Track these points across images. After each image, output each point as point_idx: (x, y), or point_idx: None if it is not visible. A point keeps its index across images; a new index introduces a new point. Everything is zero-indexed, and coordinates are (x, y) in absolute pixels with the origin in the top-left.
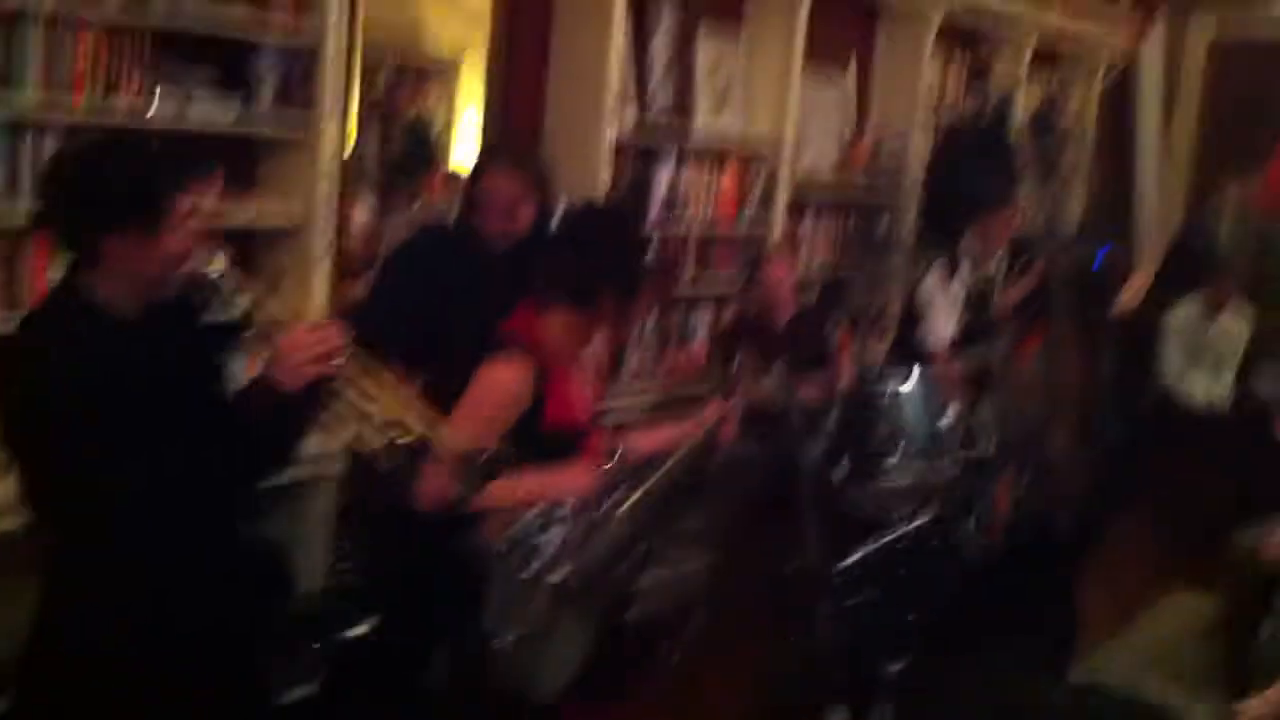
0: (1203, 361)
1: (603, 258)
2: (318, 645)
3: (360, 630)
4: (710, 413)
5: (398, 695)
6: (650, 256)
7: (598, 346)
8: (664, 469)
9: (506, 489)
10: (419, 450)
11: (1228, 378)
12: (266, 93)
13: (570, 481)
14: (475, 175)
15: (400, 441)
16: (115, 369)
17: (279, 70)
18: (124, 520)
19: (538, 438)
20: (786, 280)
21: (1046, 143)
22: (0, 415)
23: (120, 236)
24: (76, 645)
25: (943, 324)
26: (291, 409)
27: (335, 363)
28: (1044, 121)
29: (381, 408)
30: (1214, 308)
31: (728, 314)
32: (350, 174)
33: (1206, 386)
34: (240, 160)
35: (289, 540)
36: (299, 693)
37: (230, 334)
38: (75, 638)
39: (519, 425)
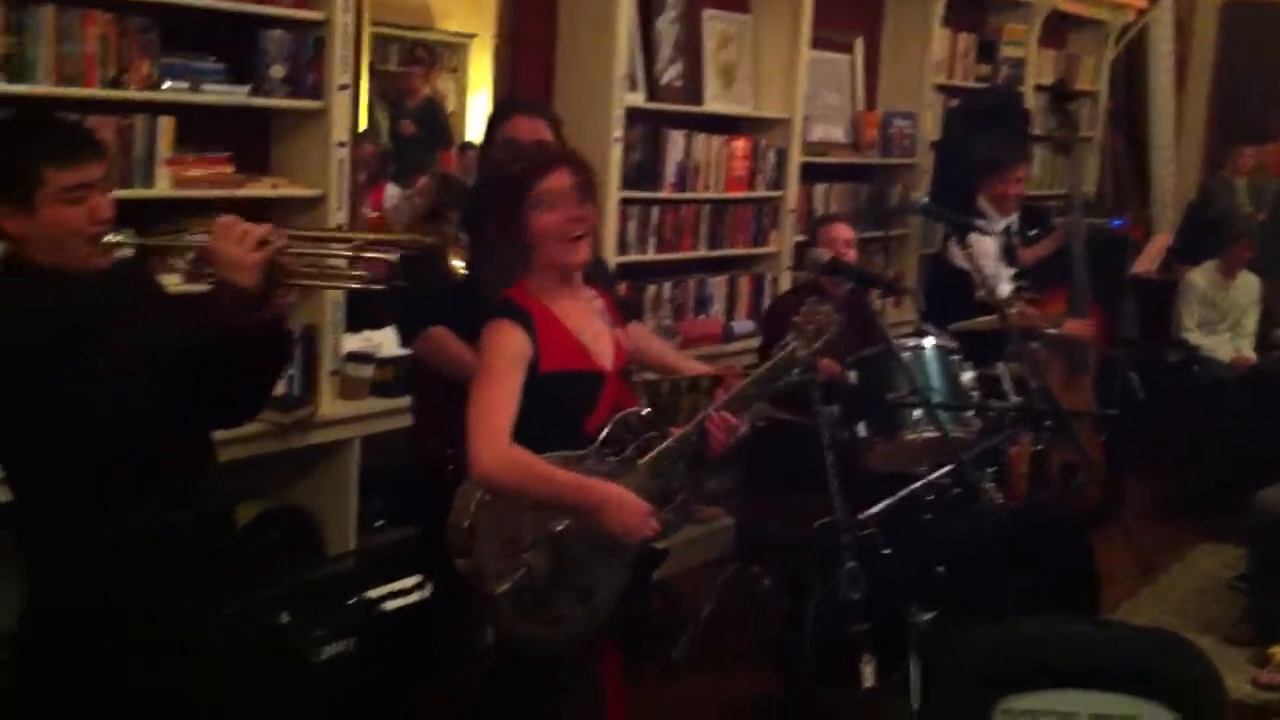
0: (1222, 323)
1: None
2: (351, 603)
3: (394, 589)
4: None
5: (432, 655)
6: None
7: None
8: (690, 425)
9: (543, 473)
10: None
11: (1248, 338)
12: (277, 72)
13: (606, 492)
14: (493, 125)
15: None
16: (78, 310)
17: (288, 50)
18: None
19: (544, 384)
20: (847, 238)
21: (1059, 110)
22: None
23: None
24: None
25: (997, 279)
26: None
27: (272, 240)
28: (1056, 89)
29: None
30: (1229, 271)
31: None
32: (363, 152)
33: (1226, 347)
34: (253, 141)
35: (319, 502)
36: (333, 650)
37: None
38: (79, 601)
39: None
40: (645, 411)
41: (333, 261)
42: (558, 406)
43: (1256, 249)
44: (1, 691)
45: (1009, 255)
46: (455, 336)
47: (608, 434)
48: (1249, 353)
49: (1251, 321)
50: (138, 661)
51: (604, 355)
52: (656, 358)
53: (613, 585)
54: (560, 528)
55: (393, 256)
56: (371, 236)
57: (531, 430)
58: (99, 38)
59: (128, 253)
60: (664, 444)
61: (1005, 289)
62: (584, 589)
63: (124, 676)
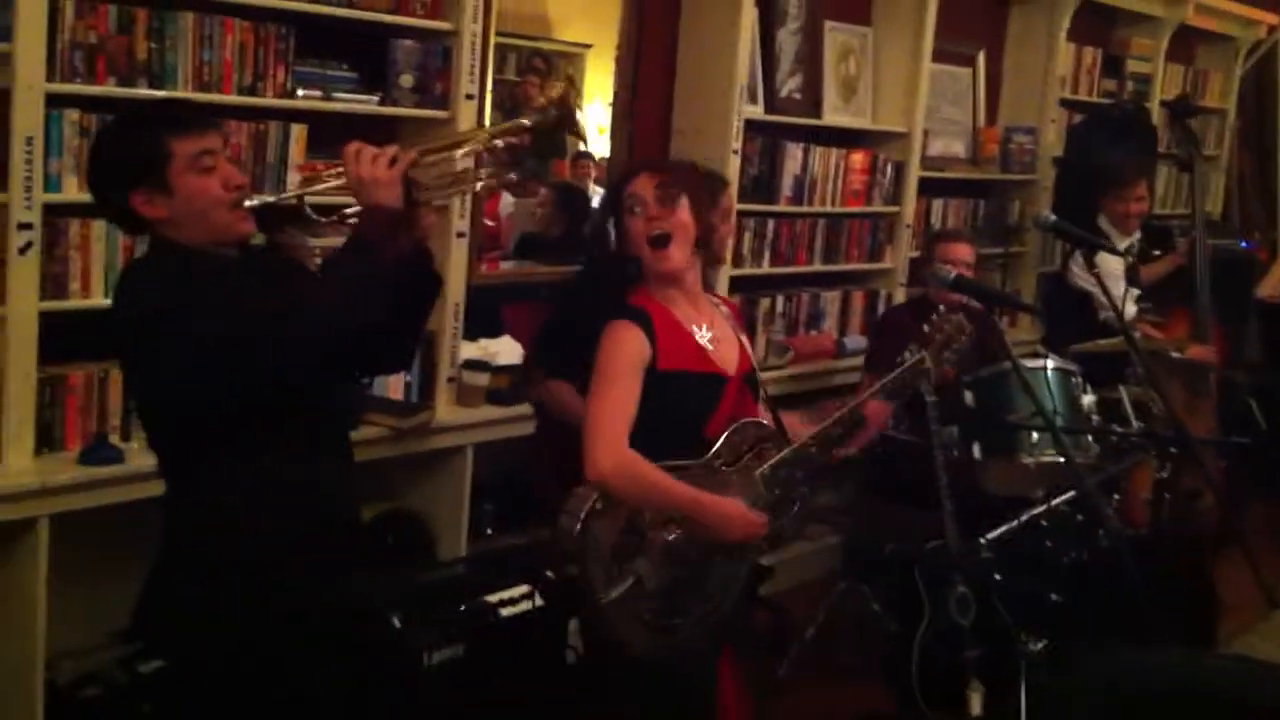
0: None
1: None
2: (463, 609)
3: (504, 596)
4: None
5: (541, 660)
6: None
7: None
8: (809, 436)
9: (657, 484)
10: None
11: None
12: (406, 81)
13: (722, 508)
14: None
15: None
16: (221, 274)
17: (417, 59)
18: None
19: (663, 383)
20: (966, 258)
21: (1180, 126)
22: (130, 361)
23: (140, 194)
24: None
25: (1122, 298)
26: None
27: (402, 159)
28: (1182, 106)
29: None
30: None
31: (896, 301)
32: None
33: None
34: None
35: (432, 506)
36: (444, 655)
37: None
38: (197, 592)
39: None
40: (765, 421)
41: (462, 165)
42: (676, 407)
43: None
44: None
45: (1131, 275)
46: (574, 392)
47: (724, 442)
48: None
49: None
50: (255, 631)
51: (727, 360)
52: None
53: (724, 597)
54: (671, 538)
55: (523, 140)
56: (494, 129)
57: (649, 430)
58: (236, 45)
59: (259, 240)
60: (781, 454)
61: (1129, 310)
62: (694, 600)
63: (240, 644)
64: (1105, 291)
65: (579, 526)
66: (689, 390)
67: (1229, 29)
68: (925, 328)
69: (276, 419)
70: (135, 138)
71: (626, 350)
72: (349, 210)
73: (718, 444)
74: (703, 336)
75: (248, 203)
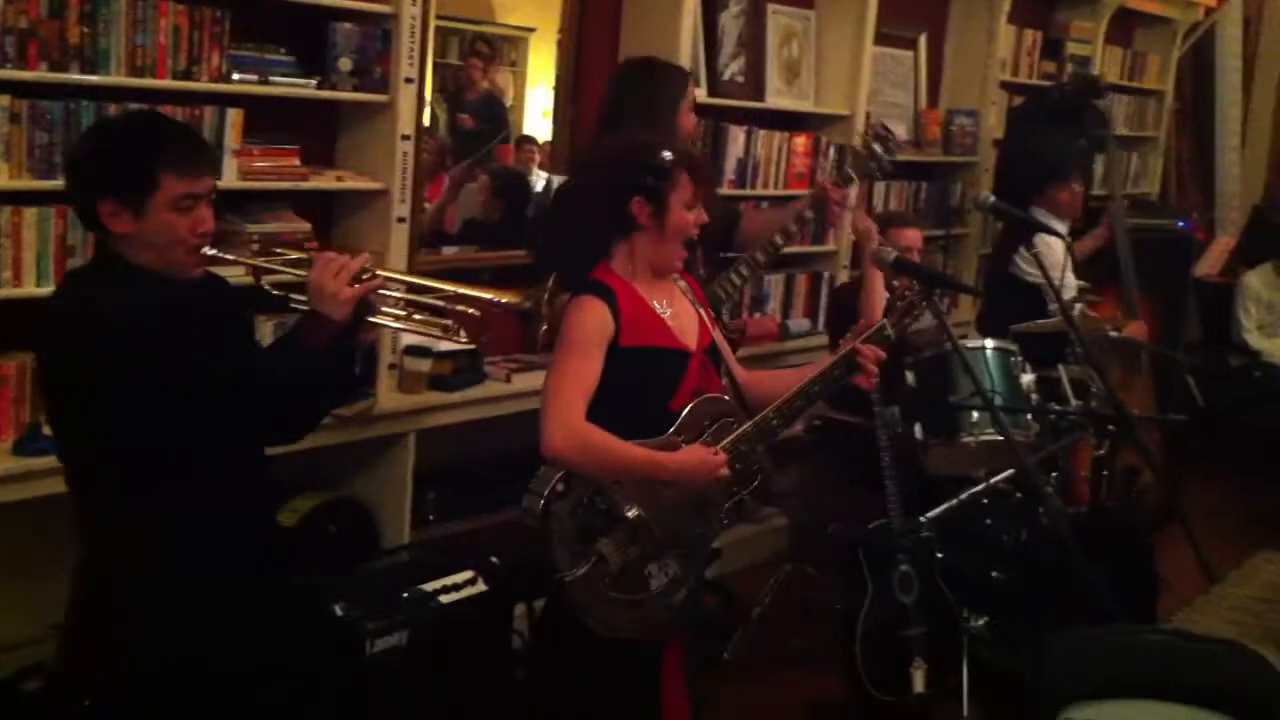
0: None
1: (608, 169)
2: (406, 597)
3: (447, 584)
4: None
5: (487, 646)
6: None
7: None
8: (770, 409)
9: (613, 450)
10: None
11: None
12: (345, 65)
13: (680, 460)
14: None
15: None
16: (160, 313)
17: (356, 43)
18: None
19: (626, 359)
20: (915, 243)
21: (1095, 109)
22: (49, 363)
23: (110, 204)
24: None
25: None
26: (342, 339)
27: (368, 277)
28: (1091, 87)
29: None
30: None
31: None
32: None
33: None
34: (320, 134)
35: (375, 494)
36: (387, 643)
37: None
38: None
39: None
40: (726, 395)
41: (421, 308)
42: (639, 383)
43: None
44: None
45: (1070, 258)
46: None
47: (685, 417)
48: None
49: None
50: (185, 641)
51: (688, 335)
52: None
53: (687, 574)
54: (633, 515)
55: (481, 311)
56: (463, 290)
57: (613, 407)
58: (171, 28)
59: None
60: (743, 427)
61: (1069, 293)
62: (659, 573)
63: (170, 654)
64: (1048, 277)
65: (542, 505)
66: (652, 366)
67: (1168, 11)
68: (886, 295)
69: (187, 458)
70: (133, 152)
71: (589, 326)
72: (297, 301)
73: (679, 420)
74: (664, 312)
75: (206, 250)
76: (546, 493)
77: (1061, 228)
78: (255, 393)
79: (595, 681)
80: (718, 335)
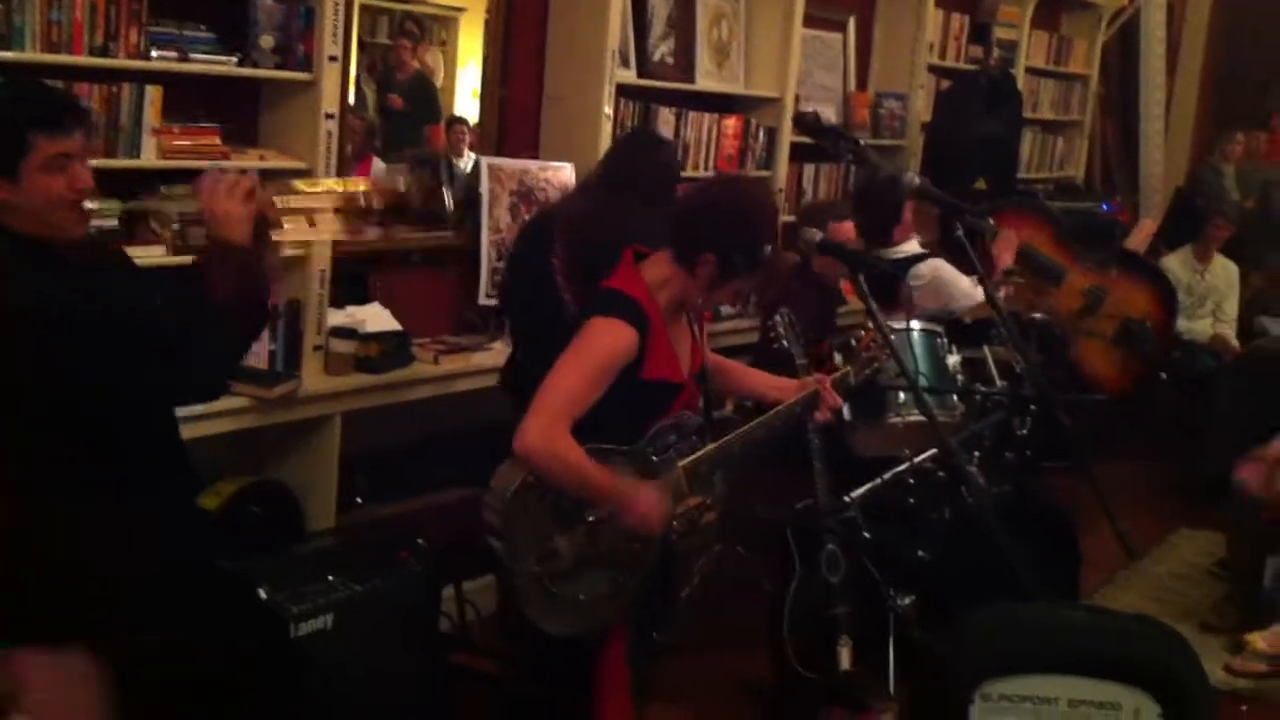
0: (1201, 308)
1: (717, 218)
2: (331, 579)
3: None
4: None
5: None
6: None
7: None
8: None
9: (578, 468)
10: None
11: (1229, 323)
12: (266, 43)
13: (633, 502)
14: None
15: None
16: (52, 281)
17: (279, 20)
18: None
19: (635, 387)
20: (850, 234)
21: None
22: None
23: None
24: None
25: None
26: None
27: (260, 194)
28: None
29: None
30: (1205, 255)
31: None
32: (350, 126)
33: (1208, 330)
34: (242, 112)
35: (301, 477)
36: (313, 626)
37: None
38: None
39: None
40: (700, 419)
41: (321, 214)
42: (629, 408)
43: (1243, 237)
44: None
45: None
46: None
47: (657, 432)
48: (1230, 337)
49: (1231, 307)
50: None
51: (685, 360)
52: (744, 386)
53: (637, 578)
54: (593, 518)
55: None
56: (350, 188)
57: (594, 426)
58: (87, 5)
59: (111, 223)
60: (705, 449)
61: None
62: (608, 579)
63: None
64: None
65: (509, 496)
66: (650, 395)
67: None
68: (852, 342)
69: (103, 439)
70: (1, 119)
71: (617, 352)
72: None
73: (650, 433)
74: (677, 344)
75: (87, 204)
76: (516, 484)
77: None
78: (165, 350)
79: (533, 667)
80: (699, 334)
